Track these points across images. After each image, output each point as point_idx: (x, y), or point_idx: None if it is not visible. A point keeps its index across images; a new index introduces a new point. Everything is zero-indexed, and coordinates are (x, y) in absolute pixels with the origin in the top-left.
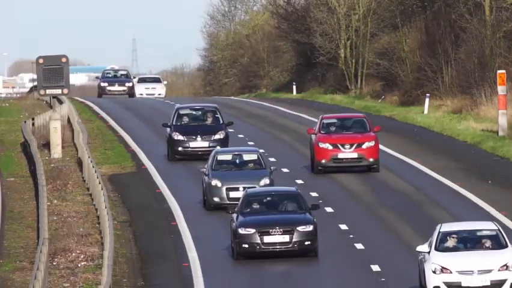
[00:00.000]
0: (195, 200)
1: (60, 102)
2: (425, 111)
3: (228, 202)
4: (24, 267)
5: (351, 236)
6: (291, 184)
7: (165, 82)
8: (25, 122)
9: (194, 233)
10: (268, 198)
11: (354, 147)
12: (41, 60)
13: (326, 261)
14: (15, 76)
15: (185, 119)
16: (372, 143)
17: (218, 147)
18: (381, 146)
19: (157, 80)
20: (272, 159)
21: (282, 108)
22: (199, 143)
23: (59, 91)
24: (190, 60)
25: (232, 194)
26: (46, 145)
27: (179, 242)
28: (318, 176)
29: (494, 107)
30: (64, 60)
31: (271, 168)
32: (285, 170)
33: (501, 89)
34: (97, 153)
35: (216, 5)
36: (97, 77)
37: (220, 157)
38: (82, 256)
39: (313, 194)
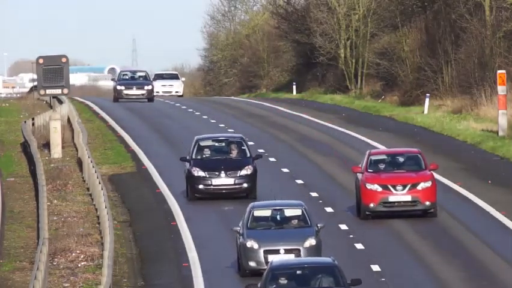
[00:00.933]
0: (194, 200)
1: (60, 102)
2: (425, 111)
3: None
4: (24, 267)
5: (351, 236)
6: (291, 184)
7: (183, 79)
8: (25, 122)
9: (194, 233)
10: (298, 272)
11: (407, 188)
12: (41, 60)
13: None
14: (15, 76)
15: (207, 152)
16: (428, 184)
17: (254, 203)
18: (381, 146)
19: (174, 77)
20: (272, 159)
21: (282, 108)
22: (223, 180)
23: (59, 91)
24: (190, 60)
25: (272, 258)
26: (46, 145)
27: (179, 242)
28: (318, 176)
29: (494, 107)
30: (63, 60)
31: (318, 226)
32: (285, 170)
33: (501, 89)
34: (97, 153)
35: (216, 5)
36: (113, 79)
37: (257, 213)
38: (82, 256)
39: (314, 194)
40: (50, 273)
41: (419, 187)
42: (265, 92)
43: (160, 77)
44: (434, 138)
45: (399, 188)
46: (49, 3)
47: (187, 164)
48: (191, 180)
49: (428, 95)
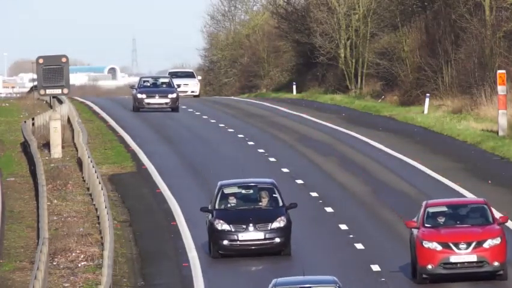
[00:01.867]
0: (195, 200)
1: (60, 102)
2: (425, 111)
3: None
4: (24, 267)
5: (351, 236)
6: (291, 184)
7: (199, 77)
8: (25, 122)
9: (194, 233)
10: None
11: (472, 246)
12: (41, 60)
13: (326, 261)
14: (15, 76)
15: (232, 201)
16: (497, 241)
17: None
18: (381, 146)
19: (190, 75)
20: (272, 159)
21: (282, 108)
22: (251, 235)
23: (59, 91)
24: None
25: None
26: (46, 145)
27: (179, 242)
28: (318, 176)
29: (494, 107)
30: (64, 60)
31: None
32: (285, 170)
33: (501, 89)
34: (97, 153)
35: (216, 5)
36: (132, 87)
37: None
38: (82, 256)
39: (314, 194)
40: (50, 273)
41: (486, 245)
42: (265, 92)
43: (174, 75)
44: (434, 138)
45: (462, 246)
46: (49, 3)
47: (209, 216)
48: (214, 234)
49: (428, 95)
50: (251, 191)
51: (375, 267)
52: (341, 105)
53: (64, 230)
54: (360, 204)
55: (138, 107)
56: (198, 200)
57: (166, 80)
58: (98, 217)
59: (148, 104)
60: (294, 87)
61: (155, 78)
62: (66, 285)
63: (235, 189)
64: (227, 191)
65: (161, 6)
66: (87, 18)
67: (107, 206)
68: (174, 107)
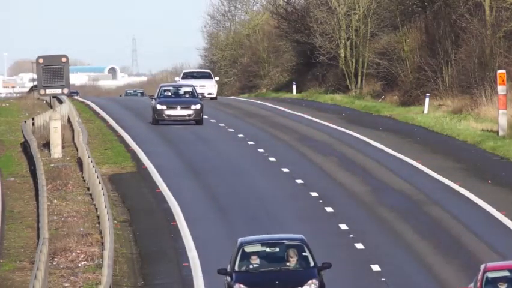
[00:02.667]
0: (195, 200)
1: (61, 102)
2: (425, 111)
3: None
4: (24, 267)
5: (351, 236)
6: (291, 184)
7: (216, 78)
8: (25, 122)
9: (194, 233)
10: None
11: None
12: (41, 60)
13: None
14: (15, 76)
15: (255, 262)
16: None
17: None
18: (381, 146)
19: (206, 76)
20: (272, 159)
21: (282, 108)
22: None
23: (59, 91)
24: (190, 60)
25: None
26: (46, 145)
27: (179, 242)
28: (318, 176)
29: (494, 107)
30: (64, 60)
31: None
32: (285, 170)
33: (501, 89)
34: (97, 153)
35: (216, 5)
36: (151, 97)
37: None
38: (82, 256)
39: (314, 194)
40: (50, 273)
41: None
42: (265, 92)
43: (189, 76)
44: (434, 138)
45: None
46: (50, 3)
47: (228, 278)
48: None
49: (428, 94)
50: (277, 249)
51: (375, 267)
52: (341, 105)
53: (63, 230)
54: (360, 204)
55: (157, 119)
56: (198, 200)
57: (189, 90)
58: (98, 217)
59: (169, 115)
60: (294, 87)
61: (177, 88)
62: (66, 285)
63: (257, 248)
64: (248, 248)
65: (162, 6)
66: (87, 18)
67: (107, 206)
68: (198, 119)
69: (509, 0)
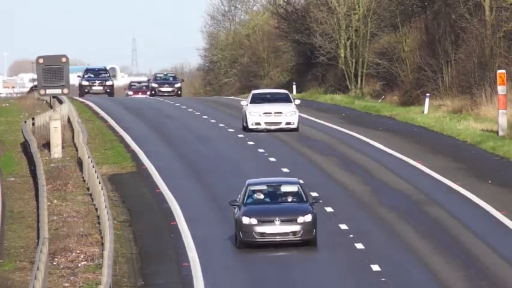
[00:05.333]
0: (195, 200)
1: (61, 102)
2: (425, 111)
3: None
4: (24, 267)
5: (351, 236)
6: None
7: (297, 101)
8: (25, 122)
9: (194, 233)
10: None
11: None
12: (41, 60)
13: (326, 261)
14: (15, 76)
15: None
16: None
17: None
18: (381, 146)
19: (283, 98)
20: (272, 159)
21: None
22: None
23: (59, 91)
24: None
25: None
26: (46, 145)
27: (179, 242)
28: (318, 176)
29: (494, 107)
30: (64, 60)
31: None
32: (285, 170)
33: (501, 89)
34: (97, 153)
35: (216, 4)
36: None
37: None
38: (82, 256)
39: (314, 194)
40: (50, 273)
41: None
42: None
43: (261, 99)
44: (434, 138)
45: None
46: (50, 3)
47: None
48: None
49: (428, 95)
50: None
51: (375, 267)
52: (341, 105)
53: (63, 230)
54: (360, 204)
55: (245, 240)
56: (198, 200)
57: (293, 189)
58: (98, 217)
59: (262, 235)
60: (294, 87)
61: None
62: (66, 285)
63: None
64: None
65: (161, 6)
66: (87, 18)
67: (107, 206)
68: (308, 239)
69: (509, 0)
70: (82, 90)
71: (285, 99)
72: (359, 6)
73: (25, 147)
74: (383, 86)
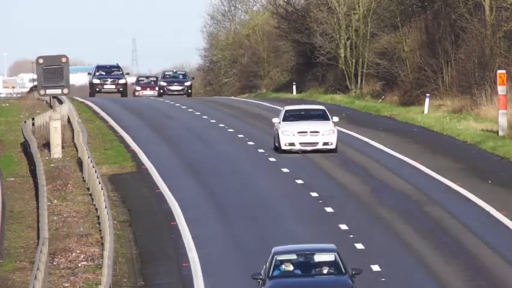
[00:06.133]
0: (195, 200)
1: (61, 102)
2: (425, 111)
3: None
4: (24, 267)
5: (351, 236)
6: (291, 184)
7: (335, 119)
8: (25, 122)
9: (194, 233)
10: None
11: None
12: (41, 60)
13: None
14: (15, 76)
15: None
16: None
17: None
18: (381, 146)
19: (320, 115)
20: (272, 159)
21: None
22: None
23: (59, 91)
24: (190, 60)
25: None
26: (46, 145)
27: (179, 242)
28: (318, 176)
29: (494, 107)
30: (63, 60)
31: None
32: (285, 170)
33: (501, 89)
34: (97, 153)
35: (216, 4)
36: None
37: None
38: (82, 256)
39: (314, 194)
40: (50, 273)
41: None
42: (265, 92)
43: (295, 116)
44: (434, 138)
45: None
46: (49, 3)
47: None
48: None
49: (428, 95)
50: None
51: (375, 267)
52: (341, 105)
53: (64, 230)
54: (360, 204)
55: (279, 147)
56: (198, 200)
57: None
58: (98, 217)
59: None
60: (294, 87)
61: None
62: (66, 285)
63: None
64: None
65: (162, 6)
66: (87, 18)
67: (107, 206)
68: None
69: (509, 0)
70: (93, 89)
71: (322, 116)
72: (359, 6)
73: (25, 147)
74: (383, 86)
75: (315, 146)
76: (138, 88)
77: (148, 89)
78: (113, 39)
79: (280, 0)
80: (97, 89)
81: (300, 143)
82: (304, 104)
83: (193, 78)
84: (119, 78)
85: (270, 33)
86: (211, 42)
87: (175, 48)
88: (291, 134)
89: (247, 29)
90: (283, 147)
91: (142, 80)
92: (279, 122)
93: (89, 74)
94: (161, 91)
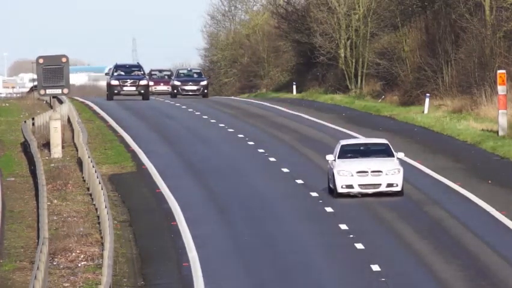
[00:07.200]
0: (195, 200)
1: (61, 102)
2: (425, 111)
3: None
4: (24, 267)
5: (351, 236)
6: (291, 184)
7: (401, 155)
8: (25, 122)
9: (194, 233)
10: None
11: None
12: (41, 60)
13: (326, 261)
14: (15, 76)
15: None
16: None
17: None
18: None
19: (381, 151)
20: (272, 159)
21: (282, 108)
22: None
23: (59, 91)
24: (190, 60)
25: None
26: (46, 145)
27: (179, 242)
28: (318, 176)
29: (494, 107)
30: (64, 60)
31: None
32: (285, 170)
33: (501, 89)
34: (97, 153)
35: (216, 4)
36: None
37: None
38: (82, 256)
39: (314, 194)
40: (50, 273)
41: None
42: (265, 92)
43: (351, 151)
44: (434, 138)
45: None
46: (49, 3)
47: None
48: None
49: (428, 94)
50: (367, 148)
51: (375, 267)
52: (341, 105)
53: (64, 230)
54: (360, 204)
55: (335, 190)
56: (198, 200)
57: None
58: (98, 217)
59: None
60: (294, 87)
61: (364, 144)
62: (66, 285)
63: (353, 147)
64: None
65: (162, 6)
66: (87, 18)
67: (107, 206)
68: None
69: (509, 0)
70: (111, 92)
71: (385, 151)
72: (359, 6)
73: (25, 147)
74: (383, 86)
75: (377, 188)
76: (151, 83)
77: (161, 83)
78: (113, 39)
79: (280, 0)
80: (116, 91)
81: (360, 185)
82: (361, 139)
83: (210, 77)
84: (140, 79)
85: (270, 33)
86: (211, 42)
87: (175, 48)
88: (348, 174)
89: (247, 29)
90: (340, 190)
91: (155, 74)
92: (334, 160)
93: (106, 74)
94: (175, 91)
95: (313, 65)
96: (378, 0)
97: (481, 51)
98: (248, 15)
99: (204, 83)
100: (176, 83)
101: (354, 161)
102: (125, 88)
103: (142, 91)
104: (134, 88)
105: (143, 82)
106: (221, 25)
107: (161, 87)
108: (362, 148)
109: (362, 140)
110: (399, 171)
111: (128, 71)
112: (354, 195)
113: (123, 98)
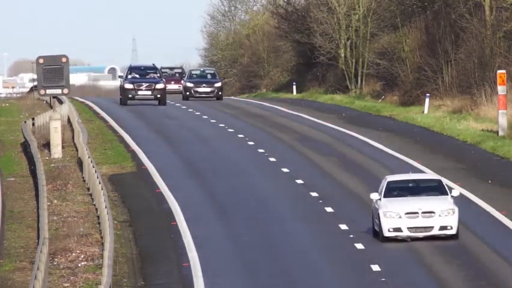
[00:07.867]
0: (195, 200)
1: (61, 102)
2: (425, 111)
3: None
4: (24, 267)
5: (351, 236)
6: (291, 184)
7: (455, 193)
8: (25, 122)
9: (194, 233)
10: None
11: None
12: (41, 60)
13: (326, 261)
14: (15, 76)
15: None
16: None
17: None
18: (381, 146)
19: (433, 188)
20: (272, 159)
21: (282, 108)
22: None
23: (59, 91)
24: (190, 60)
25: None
26: (46, 145)
27: (179, 242)
28: (318, 176)
29: (494, 107)
30: (64, 60)
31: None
32: (285, 170)
33: (501, 89)
34: (97, 153)
35: (216, 4)
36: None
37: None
38: (82, 256)
39: (314, 194)
40: (50, 273)
41: None
42: (265, 92)
43: (399, 189)
44: (434, 138)
45: None
46: (49, 3)
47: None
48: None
49: (428, 95)
50: (417, 184)
51: (375, 267)
52: (341, 105)
53: (64, 230)
54: (360, 204)
55: (381, 234)
56: (198, 200)
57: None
58: (98, 217)
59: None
60: (294, 87)
61: (414, 181)
62: (66, 285)
63: (401, 184)
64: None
65: (161, 6)
66: (87, 18)
67: (107, 206)
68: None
69: (509, 0)
70: (125, 96)
71: (438, 189)
72: (359, 6)
73: (25, 147)
74: (383, 86)
75: (429, 231)
76: None
77: (172, 82)
78: (113, 39)
79: (280, 0)
80: (130, 95)
81: (409, 228)
82: (410, 174)
83: (224, 78)
84: (156, 82)
85: (270, 33)
86: (211, 42)
87: (175, 48)
88: (396, 216)
89: (247, 29)
90: (387, 233)
91: (165, 72)
92: (380, 199)
93: (120, 77)
94: (187, 93)
95: (314, 65)
96: (378, 0)
97: (481, 51)
98: (248, 15)
99: (218, 84)
100: (189, 84)
101: (402, 200)
102: (140, 92)
103: (159, 95)
104: (150, 92)
105: (159, 86)
106: (221, 25)
107: (172, 86)
108: (411, 185)
109: (411, 175)
110: (453, 212)
111: (143, 73)
112: (403, 239)
113: (137, 102)
